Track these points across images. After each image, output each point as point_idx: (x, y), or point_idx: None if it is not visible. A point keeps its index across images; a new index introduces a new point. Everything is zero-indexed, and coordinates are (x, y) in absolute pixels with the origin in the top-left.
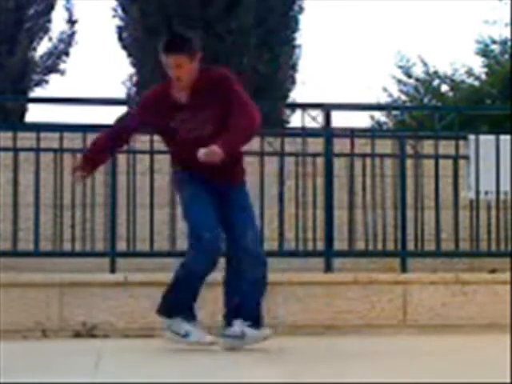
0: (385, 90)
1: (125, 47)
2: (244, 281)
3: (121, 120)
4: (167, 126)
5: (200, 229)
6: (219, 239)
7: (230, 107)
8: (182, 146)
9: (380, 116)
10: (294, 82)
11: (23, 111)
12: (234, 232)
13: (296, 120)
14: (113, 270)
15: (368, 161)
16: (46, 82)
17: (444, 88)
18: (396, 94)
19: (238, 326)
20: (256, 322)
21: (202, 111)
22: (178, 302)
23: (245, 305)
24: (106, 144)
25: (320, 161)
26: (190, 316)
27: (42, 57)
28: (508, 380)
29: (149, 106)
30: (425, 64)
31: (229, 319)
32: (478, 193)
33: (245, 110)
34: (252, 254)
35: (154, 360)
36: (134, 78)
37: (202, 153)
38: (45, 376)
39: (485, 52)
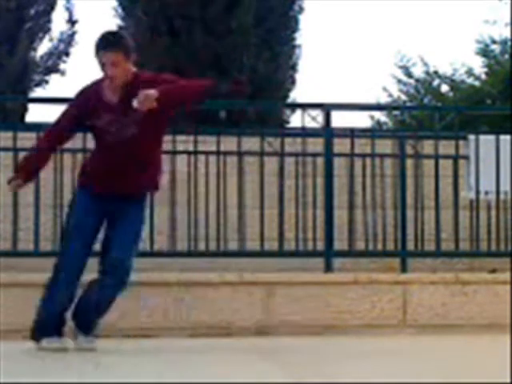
0: (385, 89)
1: None
2: (101, 291)
3: (56, 123)
4: (94, 124)
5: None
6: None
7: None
8: (102, 148)
9: (380, 116)
10: (294, 82)
11: (23, 111)
12: (112, 244)
13: (296, 120)
14: None
15: (368, 161)
16: (47, 82)
17: (444, 88)
18: (396, 93)
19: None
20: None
21: (128, 114)
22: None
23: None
24: (44, 152)
25: (320, 161)
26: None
27: (42, 57)
28: (508, 380)
29: (80, 103)
30: (425, 64)
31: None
32: (477, 193)
33: (185, 82)
34: (119, 270)
35: (154, 360)
36: None
37: (136, 101)
38: (45, 376)
39: (485, 52)
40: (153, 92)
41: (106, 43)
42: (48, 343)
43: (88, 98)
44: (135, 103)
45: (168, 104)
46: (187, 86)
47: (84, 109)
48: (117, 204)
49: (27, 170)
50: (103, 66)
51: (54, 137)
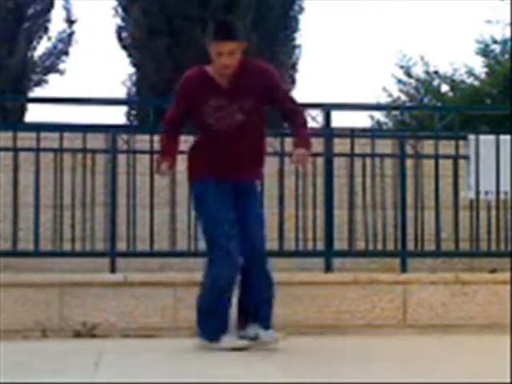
0: (385, 90)
1: (125, 47)
2: (255, 282)
3: (168, 119)
4: (201, 110)
5: (223, 240)
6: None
7: (281, 104)
8: (211, 137)
9: (380, 116)
10: (294, 82)
11: (23, 111)
12: (246, 231)
13: None
14: (113, 270)
15: (368, 161)
16: (46, 81)
17: (444, 88)
18: (396, 93)
19: (252, 328)
20: (267, 323)
21: (239, 100)
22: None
23: (257, 307)
24: (171, 142)
25: (320, 161)
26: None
27: (41, 57)
28: (508, 380)
29: (189, 87)
30: (425, 63)
31: (242, 321)
32: (478, 193)
33: (300, 110)
34: (258, 253)
35: (154, 360)
36: (134, 78)
37: (294, 160)
38: (45, 376)
39: (485, 52)
40: (306, 152)
41: (227, 33)
42: (229, 342)
43: (195, 83)
44: (293, 160)
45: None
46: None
47: (192, 94)
48: (237, 192)
49: (171, 153)
50: (219, 54)
51: (175, 121)
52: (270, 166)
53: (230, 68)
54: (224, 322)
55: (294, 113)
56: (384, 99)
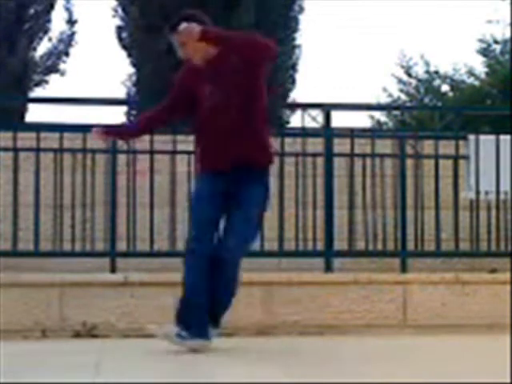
0: (385, 90)
1: (125, 47)
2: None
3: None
4: (195, 97)
5: (195, 242)
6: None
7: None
8: (201, 125)
9: (380, 116)
10: (294, 82)
11: (23, 111)
12: (227, 230)
13: (296, 120)
14: (113, 270)
15: (368, 161)
16: (46, 82)
17: (445, 88)
18: (396, 93)
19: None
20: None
21: (215, 81)
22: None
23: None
24: (142, 123)
25: (320, 161)
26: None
27: (41, 57)
28: (508, 380)
29: (182, 81)
30: (426, 63)
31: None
32: (478, 193)
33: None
34: (225, 248)
35: (154, 360)
36: (134, 78)
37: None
38: (45, 376)
39: (486, 51)
40: (194, 25)
41: (171, 25)
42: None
43: (188, 74)
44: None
45: (237, 51)
46: (251, 39)
47: (185, 83)
48: (234, 180)
49: (118, 128)
50: (176, 47)
51: (155, 114)
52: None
53: (194, 58)
54: (198, 320)
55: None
56: (384, 99)
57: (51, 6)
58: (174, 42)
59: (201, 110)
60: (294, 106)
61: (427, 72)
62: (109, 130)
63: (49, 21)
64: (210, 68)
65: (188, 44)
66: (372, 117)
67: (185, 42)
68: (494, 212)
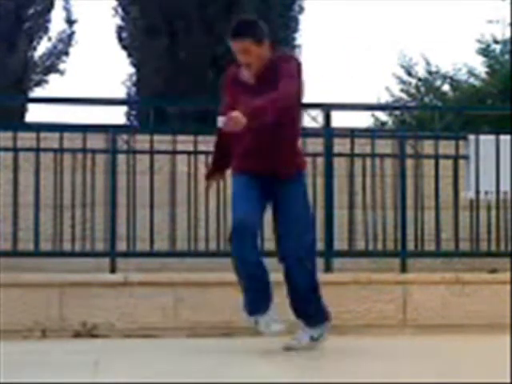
0: (387, 89)
1: (125, 47)
2: (292, 281)
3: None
4: (235, 107)
5: (236, 219)
6: (249, 220)
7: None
8: (245, 132)
9: (382, 115)
10: None
11: (23, 111)
12: (283, 231)
13: None
14: (113, 270)
15: (368, 161)
16: (46, 81)
17: (445, 87)
18: (398, 93)
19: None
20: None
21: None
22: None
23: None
24: (219, 154)
25: (320, 161)
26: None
27: (41, 57)
28: (508, 380)
29: (226, 88)
30: (427, 63)
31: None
32: (477, 193)
33: (284, 83)
34: (295, 256)
35: (154, 360)
36: (134, 78)
37: (220, 121)
38: (45, 376)
39: (486, 51)
40: (240, 117)
41: (235, 32)
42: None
43: (229, 81)
44: (220, 123)
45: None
46: (277, 99)
47: (228, 92)
48: (273, 186)
49: (216, 164)
50: (235, 52)
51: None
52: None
53: (251, 66)
54: (255, 296)
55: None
56: (386, 99)
57: (51, 6)
58: (235, 49)
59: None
60: None
61: (428, 72)
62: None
63: (48, 20)
64: (260, 78)
65: (252, 52)
66: (376, 118)
67: (249, 49)
68: (494, 212)
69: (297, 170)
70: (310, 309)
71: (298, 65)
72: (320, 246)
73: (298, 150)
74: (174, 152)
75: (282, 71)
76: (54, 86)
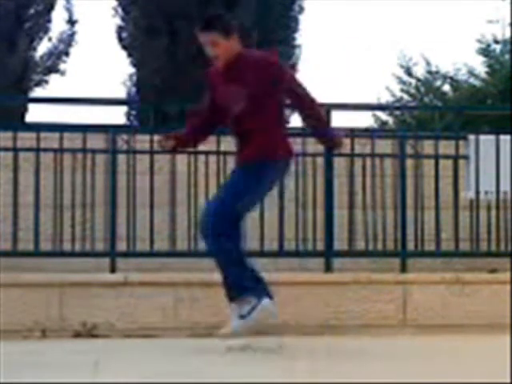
0: (388, 89)
1: (125, 47)
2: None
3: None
4: (215, 100)
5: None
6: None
7: (293, 94)
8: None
9: (383, 115)
10: None
11: (23, 111)
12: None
13: (296, 120)
14: (113, 270)
15: (368, 161)
16: (46, 82)
17: (445, 87)
18: (399, 93)
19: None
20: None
21: (236, 86)
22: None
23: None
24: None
25: (320, 161)
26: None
27: (42, 57)
28: (508, 380)
29: (209, 83)
30: (427, 63)
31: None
32: (477, 193)
33: (305, 93)
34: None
35: (154, 360)
36: (134, 78)
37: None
38: (45, 376)
39: (486, 51)
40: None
41: (203, 24)
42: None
43: (211, 76)
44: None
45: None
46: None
47: (211, 87)
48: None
49: (182, 137)
50: (205, 46)
51: (198, 112)
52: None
53: (218, 59)
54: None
55: (300, 98)
56: (386, 99)
57: (51, 6)
58: (203, 41)
59: (224, 108)
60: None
61: (428, 72)
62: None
63: (49, 21)
64: (228, 69)
65: (220, 44)
66: (377, 118)
67: (217, 42)
68: (494, 212)
69: (255, 158)
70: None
71: (279, 67)
72: (320, 245)
73: (269, 139)
74: (174, 152)
75: (284, 84)
76: (54, 86)
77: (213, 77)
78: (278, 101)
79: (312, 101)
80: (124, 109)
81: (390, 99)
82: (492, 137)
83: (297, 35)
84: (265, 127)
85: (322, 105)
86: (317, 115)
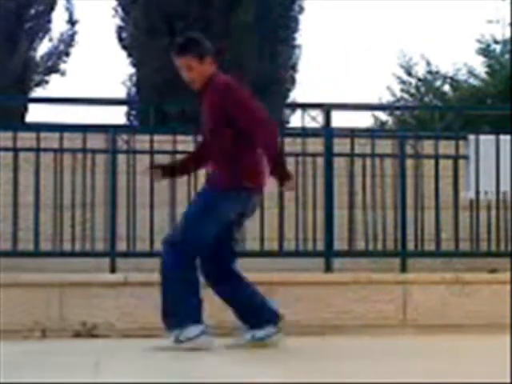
0: (388, 89)
1: (125, 47)
2: None
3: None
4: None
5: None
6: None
7: (242, 122)
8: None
9: (383, 115)
10: (294, 81)
11: (23, 111)
12: None
13: (296, 120)
14: (113, 270)
15: (368, 161)
16: (47, 82)
17: (445, 87)
18: (399, 93)
19: None
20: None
21: (205, 110)
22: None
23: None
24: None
25: (320, 161)
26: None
27: (42, 57)
28: (508, 380)
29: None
30: (427, 63)
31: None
32: (477, 193)
33: (259, 128)
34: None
35: (154, 360)
36: (134, 78)
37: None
38: (45, 376)
39: (486, 52)
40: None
41: (178, 48)
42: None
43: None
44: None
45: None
46: (270, 142)
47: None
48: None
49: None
50: (181, 70)
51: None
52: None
53: (195, 82)
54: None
55: (253, 134)
56: (387, 98)
57: (52, 7)
58: (178, 64)
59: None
60: (294, 106)
61: (429, 72)
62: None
63: (49, 21)
64: (204, 91)
65: (194, 68)
66: (376, 118)
67: (191, 66)
68: (494, 212)
69: (212, 184)
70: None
71: (239, 89)
72: (320, 245)
73: (220, 168)
74: (174, 152)
75: (238, 110)
76: (54, 86)
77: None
78: (237, 129)
79: (265, 141)
80: (124, 109)
81: (391, 99)
82: (492, 137)
83: (297, 35)
84: (217, 156)
85: (321, 105)
86: (265, 149)
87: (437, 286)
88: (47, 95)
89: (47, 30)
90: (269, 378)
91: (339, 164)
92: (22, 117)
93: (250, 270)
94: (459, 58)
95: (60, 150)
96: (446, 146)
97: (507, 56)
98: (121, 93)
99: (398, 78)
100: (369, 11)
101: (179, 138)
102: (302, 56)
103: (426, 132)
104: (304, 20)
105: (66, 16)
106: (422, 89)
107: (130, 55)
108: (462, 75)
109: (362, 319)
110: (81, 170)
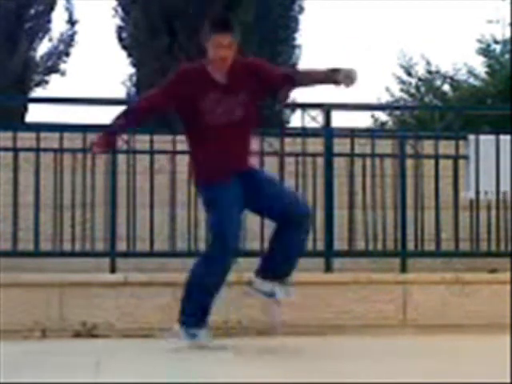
0: (387, 89)
1: (125, 47)
2: (285, 242)
3: (153, 96)
4: (198, 105)
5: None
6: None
7: (272, 77)
8: (209, 131)
9: (382, 115)
10: None
11: (23, 111)
12: (273, 199)
13: (296, 120)
14: (113, 270)
15: (368, 161)
16: (47, 82)
17: (445, 87)
18: (398, 93)
19: (271, 284)
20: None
21: (236, 95)
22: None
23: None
24: (128, 121)
25: (320, 161)
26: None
27: (42, 57)
28: (508, 380)
29: (184, 79)
30: (427, 63)
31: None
32: (477, 193)
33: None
34: (296, 214)
35: (154, 360)
36: (134, 78)
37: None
38: (45, 376)
39: (486, 51)
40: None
41: (226, 25)
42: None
43: (193, 77)
44: (341, 77)
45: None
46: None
47: (188, 85)
48: (243, 181)
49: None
50: (217, 47)
51: (153, 109)
52: (270, 165)
53: (227, 61)
54: (203, 317)
55: (288, 74)
56: (387, 99)
57: (52, 7)
58: (217, 40)
59: (205, 117)
60: (294, 106)
61: (428, 72)
62: (109, 138)
63: (49, 21)
64: (231, 77)
65: (232, 48)
66: (376, 119)
67: (232, 43)
68: (494, 212)
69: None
70: (290, 268)
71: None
72: (320, 245)
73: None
74: (174, 152)
75: (266, 67)
76: (54, 86)
77: (199, 80)
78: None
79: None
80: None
81: (390, 99)
82: (492, 137)
83: (297, 35)
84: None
85: (321, 105)
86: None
87: (437, 286)
88: (47, 95)
89: (47, 30)
90: (269, 378)
91: (339, 164)
92: (22, 117)
93: (250, 270)
94: (459, 58)
95: (60, 150)
96: (446, 146)
97: (507, 56)
98: (121, 93)
99: (398, 78)
100: (369, 11)
101: (179, 138)
102: (301, 56)
103: (426, 132)
104: (304, 20)
105: (65, 16)
106: (422, 89)
107: (129, 55)
108: (462, 75)
109: (362, 319)
110: (81, 170)
